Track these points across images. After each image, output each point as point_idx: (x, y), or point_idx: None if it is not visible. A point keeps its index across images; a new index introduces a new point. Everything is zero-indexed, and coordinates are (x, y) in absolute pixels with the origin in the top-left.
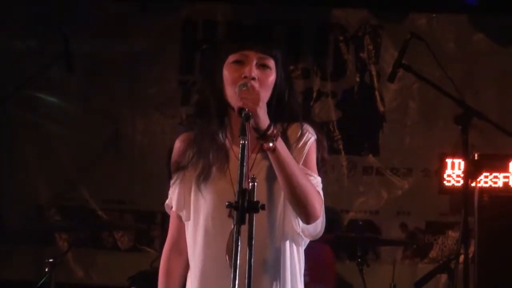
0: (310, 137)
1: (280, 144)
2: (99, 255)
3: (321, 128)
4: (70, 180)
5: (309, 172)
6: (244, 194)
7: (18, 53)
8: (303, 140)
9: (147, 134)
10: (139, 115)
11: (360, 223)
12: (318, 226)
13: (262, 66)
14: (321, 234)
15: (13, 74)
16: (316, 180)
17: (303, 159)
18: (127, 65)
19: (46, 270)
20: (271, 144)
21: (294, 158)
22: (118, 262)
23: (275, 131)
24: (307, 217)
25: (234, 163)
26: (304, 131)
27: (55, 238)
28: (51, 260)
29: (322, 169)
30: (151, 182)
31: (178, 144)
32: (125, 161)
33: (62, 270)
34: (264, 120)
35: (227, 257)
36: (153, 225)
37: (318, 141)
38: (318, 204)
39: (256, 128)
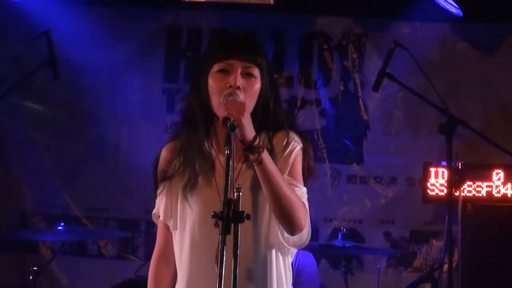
0: (296, 146)
1: (266, 156)
2: (83, 263)
3: (306, 137)
4: (54, 187)
5: (294, 182)
6: (230, 204)
7: (2, 59)
8: (288, 149)
9: (131, 142)
10: (124, 122)
11: (344, 231)
12: (304, 235)
13: (247, 75)
14: (306, 243)
15: None
16: (301, 191)
17: (289, 168)
18: (111, 73)
19: (30, 278)
20: (257, 156)
21: (280, 168)
22: (102, 270)
23: (261, 143)
24: (292, 229)
25: (220, 172)
26: (290, 140)
27: (39, 246)
28: (35, 268)
29: (308, 178)
30: (135, 190)
31: (164, 153)
32: (110, 168)
33: (46, 278)
34: (249, 131)
35: (215, 267)
36: (137, 233)
37: (303, 150)
38: (302, 216)
39: (242, 140)
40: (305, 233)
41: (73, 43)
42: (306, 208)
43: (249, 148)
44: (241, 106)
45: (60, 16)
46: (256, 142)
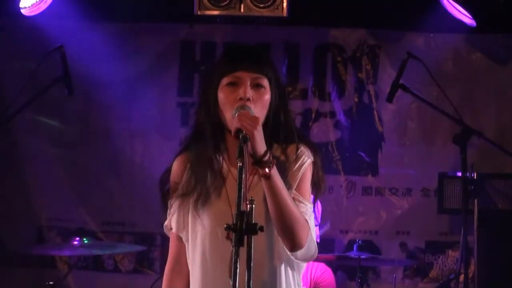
0: (306, 160)
1: (274, 171)
2: (99, 277)
3: (317, 148)
4: (70, 202)
5: (300, 198)
6: (243, 216)
7: (17, 75)
8: (298, 164)
9: (146, 156)
10: (138, 136)
11: (360, 243)
12: (311, 250)
13: (256, 86)
14: (314, 257)
15: (12, 96)
16: (306, 208)
17: (297, 183)
18: (125, 87)
19: None
20: (267, 170)
21: (288, 182)
22: (119, 285)
23: (271, 158)
24: (292, 245)
25: (231, 185)
26: (300, 154)
27: (56, 261)
28: (51, 282)
29: (318, 191)
30: (150, 203)
31: (176, 164)
32: (125, 182)
33: None
34: (261, 145)
35: (230, 281)
36: (153, 247)
37: (314, 163)
38: (304, 234)
39: (253, 154)
40: (312, 248)
41: (87, 58)
42: (308, 226)
43: (259, 163)
44: (255, 119)
45: (74, 31)
46: (267, 157)
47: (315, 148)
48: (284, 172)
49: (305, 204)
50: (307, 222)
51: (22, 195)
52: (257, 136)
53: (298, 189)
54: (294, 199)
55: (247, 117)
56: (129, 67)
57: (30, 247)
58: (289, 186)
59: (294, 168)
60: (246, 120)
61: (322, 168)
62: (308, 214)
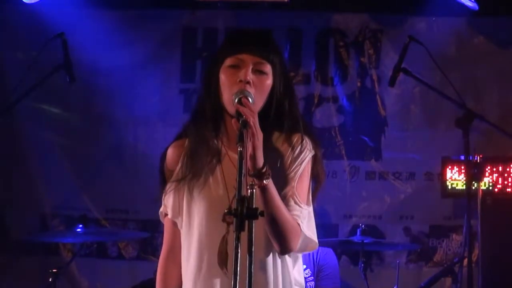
0: (308, 154)
1: (270, 183)
2: (103, 264)
3: (318, 141)
4: (73, 189)
5: (296, 199)
6: (243, 201)
7: (18, 63)
8: (301, 157)
9: (149, 143)
10: (141, 123)
11: (364, 227)
12: (304, 249)
13: (258, 71)
14: (306, 251)
15: (14, 84)
16: (301, 211)
17: (296, 180)
18: (128, 74)
19: (50, 280)
20: (265, 182)
21: (288, 175)
22: (122, 271)
23: (268, 170)
24: (282, 250)
25: (228, 169)
26: (303, 147)
27: (59, 248)
28: (54, 270)
29: (317, 185)
30: (154, 190)
31: (170, 151)
32: (128, 169)
33: (66, 280)
34: (260, 158)
35: (222, 268)
36: (157, 234)
37: (314, 157)
38: (295, 240)
39: (252, 166)
40: (305, 246)
41: (89, 45)
42: (300, 231)
43: (258, 175)
44: (260, 134)
45: (75, 18)
46: (264, 169)
47: (317, 141)
48: (286, 161)
49: (300, 207)
50: (299, 226)
51: (25, 183)
52: (258, 152)
53: (297, 187)
54: (291, 198)
55: (256, 128)
56: (131, 54)
57: (34, 235)
58: (290, 178)
59: (297, 161)
60: (255, 134)
61: (322, 162)
62: (301, 217)
